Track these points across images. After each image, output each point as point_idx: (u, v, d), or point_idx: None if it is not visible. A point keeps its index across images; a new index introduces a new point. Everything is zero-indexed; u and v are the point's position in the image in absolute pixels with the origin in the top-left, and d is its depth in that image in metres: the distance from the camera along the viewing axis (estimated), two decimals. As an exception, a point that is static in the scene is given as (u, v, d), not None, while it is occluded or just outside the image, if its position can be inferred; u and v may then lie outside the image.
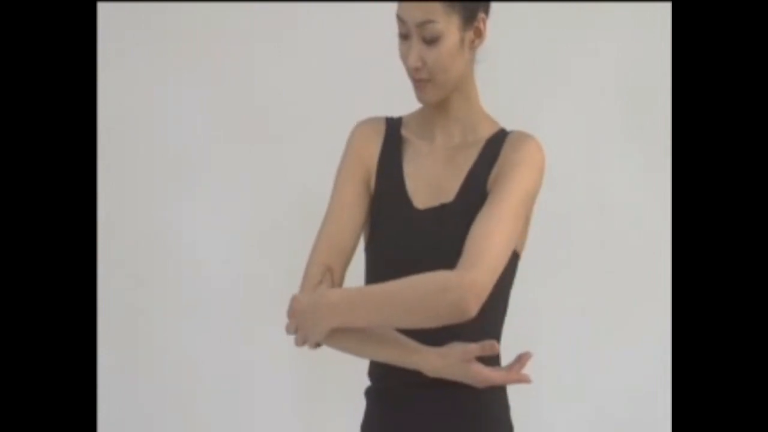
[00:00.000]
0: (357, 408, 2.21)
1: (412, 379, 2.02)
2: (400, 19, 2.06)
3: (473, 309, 1.94)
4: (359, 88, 3.27)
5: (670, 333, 2.93)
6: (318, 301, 2.01)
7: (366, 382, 2.15)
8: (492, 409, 2.09)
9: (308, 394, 3.35)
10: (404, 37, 2.07)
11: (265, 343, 3.25)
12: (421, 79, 2.07)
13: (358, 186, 2.13)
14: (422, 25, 2.03)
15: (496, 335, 2.10)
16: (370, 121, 2.18)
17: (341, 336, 2.02)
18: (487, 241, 1.97)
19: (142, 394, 3.32)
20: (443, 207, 2.07)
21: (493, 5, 2.11)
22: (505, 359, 2.09)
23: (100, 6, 2.94)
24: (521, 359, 2.02)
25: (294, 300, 2.04)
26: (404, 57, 2.07)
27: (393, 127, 2.16)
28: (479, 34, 2.08)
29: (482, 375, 1.99)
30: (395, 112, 2.21)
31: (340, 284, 2.10)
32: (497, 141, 2.10)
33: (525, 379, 2.01)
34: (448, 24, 2.03)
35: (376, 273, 2.10)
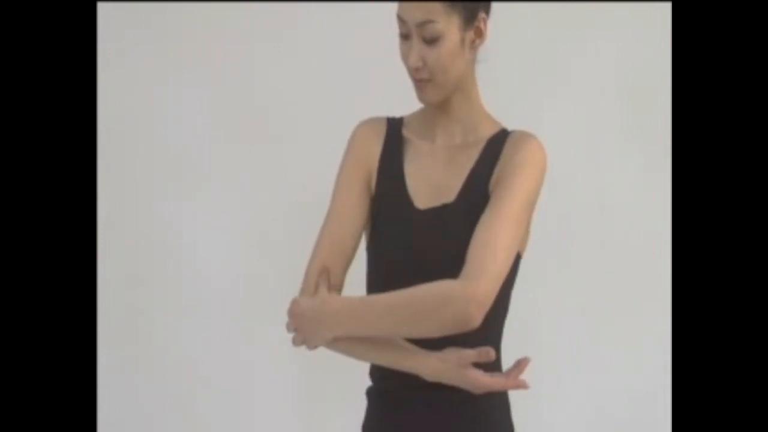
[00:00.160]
0: (357, 408, 2.21)
1: (413, 380, 2.02)
2: (401, 19, 2.05)
3: (477, 320, 1.94)
4: (359, 88, 3.27)
5: (670, 333, 2.94)
6: (320, 309, 2.01)
7: (366, 382, 2.15)
8: (493, 410, 2.09)
9: (308, 394, 3.35)
10: (405, 37, 2.07)
11: (265, 343, 3.24)
12: (421, 79, 2.07)
13: (359, 186, 2.13)
14: (422, 25, 2.03)
15: (497, 336, 2.10)
16: (371, 122, 2.18)
17: (340, 340, 2.02)
18: (491, 249, 1.97)
19: (142, 394, 3.32)
20: (444, 207, 2.07)
21: (493, 5, 2.11)
22: (506, 359, 2.09)
23: (100, 6, 2.95)
24: (520, 365, 2.02)
25: (294, 303, 2.04)
26: (405, 57, 2.07)
27: (394, 128, 2.16)
28: (480, 34, 2.08)
29: (479, 381, 1.98)
30: (395, 113, 2.21)
31: (341, 285, 2.10)
32: (499, 141, 2.10)
33: (522, 385, 2.00)
34: (448, 24, 2.03)
35: (377, 273, 2.10)
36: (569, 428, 3.38)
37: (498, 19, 2.14)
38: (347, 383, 2.60)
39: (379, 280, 2.09)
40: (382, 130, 2.16)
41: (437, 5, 2.01)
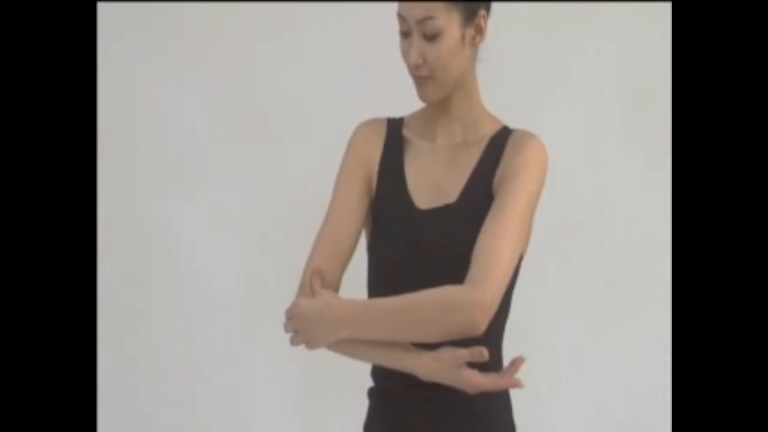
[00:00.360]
0: (357, 408, 2.21)
1: (415, 380, 2.01)
2: (401, 17, 2.06)
3: (483, 326, 1.94)
4: (359, 88, 3.27)
5: (670, 333, 2.93)
6: (323, 312, 2.01)
7: (366, 382, 2.15)
8: (495, 410, 2.09)
9: (308, 394, 3.35)
10: (405, 35, 2.07)
11: (265, 343, 3.24)
12: (422, 77, 2.07)
13: (359, 187, 2.13)
14: (422, 21, 2.03)
15: (499, 337, 2.09)
16: (371, 122, 2.18)
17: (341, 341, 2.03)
18: (495, 255, 1.97)
19: (142, 394, 3.32)
20: (446, 207, 2.07)
21: (493, 5, 2.11)
22: (506, 359, 2.08)
23: (100, 6, 2.94)
24: (514, 364, 2.00)
25: (295, 305, 2.04)
26: (405, 55, 2.07)
27: (394, 128, 2.16)
28: (480, 31, 2.08)
29: (472, 380, 1.97)
30: (395, 113, 2.21)
31: (338, 285, 2.09)
32: (500, 140, 2.10)
33: (517, 384, 1.99)
34: (448, 20, 2.03)
35: (378, 274, 2.10)
36: (569, 428, 3.38)
37: (498, 19, 2.14)
38: (347, 383, 2.60)
39: (380, 281, 2.08)
40: (383, 130, 2.16)
41: (437, 2, 2.02)
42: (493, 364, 2.03)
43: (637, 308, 3.38)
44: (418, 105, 2.16)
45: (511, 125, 2.15)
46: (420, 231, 2.06)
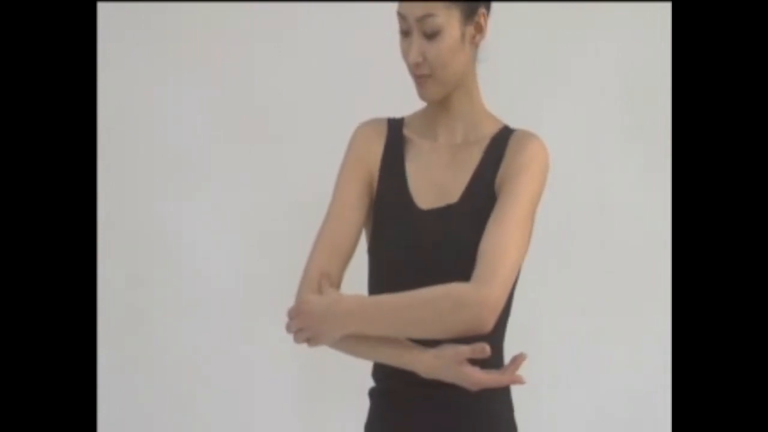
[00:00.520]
0: (357, 408, 2.21)
1: (416, 379, 2.02)
2: (401, 16, 2.06)
3: (490, 325, 1.94)
4: (359, 88, 3.27)
5: (670, 333, 2.93)
6: (331, 308, 2.01)
7: (366, 382, 2.15)
8: (496, 409, 2.09)
9: (308, 394, 3.35)
10: (405, 34, 2.07)
11: (266, 343, 3.24)
12: (422, 75, 2.07)
13: (360, 187, 2.13)
14: (422, 19, 2.03)
15: (501, 336, 2.09)
16: (372, 123, 2.18)
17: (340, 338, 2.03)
18: (501, 253, 1.97)
19: (142, 394, 3.32)
20: (448, 208, 2.07)
21: (493, 5, 2.11)
22: (506, 359, 2.08)
23: (100, 6, 2.94)
24: (515, 361, 2.01)
25: (302, 302, 2.03)
26: (405, 53, 2.07)
27: (395, 128, 2.16)
28: (480, 30, 2.08)
29: (474, 377, 1.97)
30: (395, 113, 2.21)
31: (338, 285, 2.09)
32: (501, 139, 2.10)
33: (519, 380, 2.00)
34: (448, 18, 2.03)
35: (379, 274, 2.10)
36: (569, 428, 3.38)
37: (498, 19, 2.14)
38: (347, 383, 2.60)
39: (380, 282, 2.08)
40: (383, 130, 2.16)
41: (437, 0, 2.02)
42: (495, 363, 2.03)
43: (637, 308, 3.38)
44: (418, 105, 2.16)
45: (511, 125, 2.15)
46: (421, 231, 2.06)
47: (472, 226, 2.02)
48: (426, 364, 1.99)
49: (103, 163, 3.17)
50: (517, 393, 2.12)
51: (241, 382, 3.33)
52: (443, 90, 2.08)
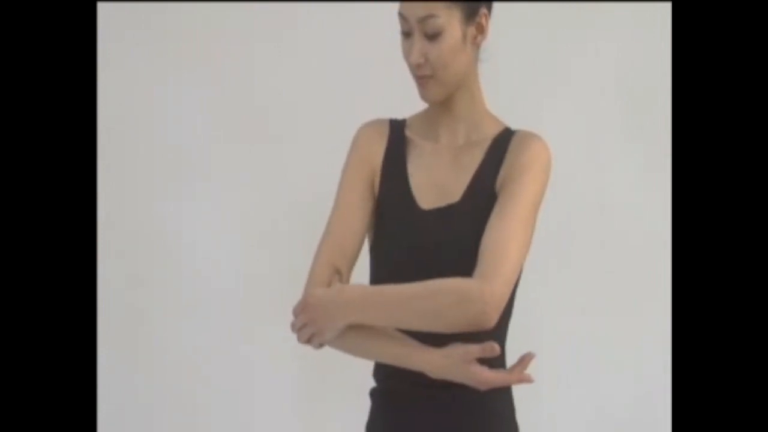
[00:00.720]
0: (357, 408, 2.21)
1: (418, 379, 2.02)
2: (402, 16, 2.06)
3: (493, 320, 1.94)
4: (359, 88, 3.27)
5: (670, 333, 2.94)
6: (335, 298, 2.01)
7: (367, 382, 2.15)
8: (497, 410, 2.09)
9: (308, 394, 3.35)
10: (406, 34, 2.07)
11: (266, 343, 3.25)
12: (423, 76, 2.07)
13: (363, 188, 2.13)
14: (424, 20, 2.03)
15: (503, 336, 2.09)
16: (374, 123, 2.18)
17: (344, 337, 2.02)
18: (504, 250, 1.97)
19: (142, 394, 3.32)
20: (450, 207, 2.07)
21: (494, 5, 2.11)
22: (507, 359, 2.08)
23: (100, 6, 2.94)
24: (523, 360, 2.01)
25: (309, 295, 2.03)
26: (406, 54, 2.07)
27: (397, 129, 2.16)
28: (481, 30, 2.08)
29: (482, 376, 1.97)
30: (396, 113, 2.21)
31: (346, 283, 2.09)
32: (503, 140, 2.10)
33: (527, 379, 2.00)
34: (449, 18, 2.03)
35: (381, 274, 2.10)
36: (569, 428, 3.38)
37: (498, 19, 2.14)
38: (347, 383, 2.61)
39: (382, 281, 2.08)
40: (385, 131, 2.16)
41: (438, 1, 2.02)
42: (498, 363, 2.04)
43: (637, 308, 3.39)
44: (418, 105, 2.16)
45: (511, 125, 2.15)
46: (423, 231, 2.06)
47: (474, 225, 2.03)
48: (434, 364, 1.99)
49: (103, 163, 3.17)
50: (517, 393, 2.12)
51: (241, 382, 3.34)
52: (445, 91, 2.08)
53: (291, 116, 3.34)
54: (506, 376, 2.00)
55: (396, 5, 2.07)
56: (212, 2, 3.33)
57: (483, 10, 2.07)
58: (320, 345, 2.05)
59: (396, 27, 2.08)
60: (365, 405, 2.16)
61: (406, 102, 2.20)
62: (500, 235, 1.98)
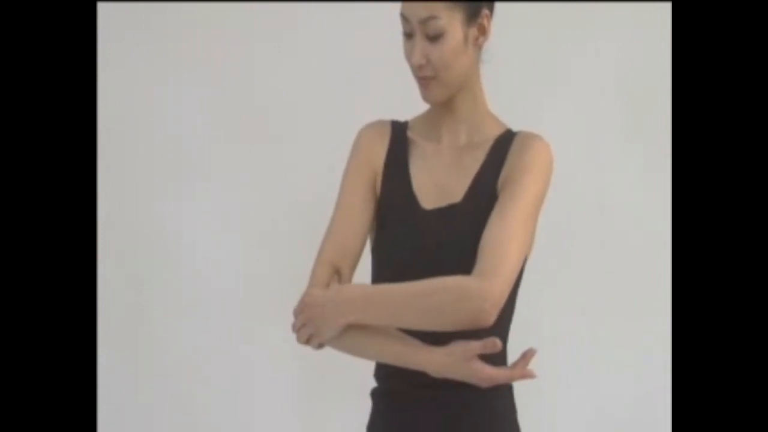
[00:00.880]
0: (357, 408, 2.21)
1: (418, 379, 2.01)
2: (404, 18, 2.06)
3: (492, 318, 1.94)
4: (359, 88, 3.27)
5: (670, 333, 2.94)
6: (335, 297, 2.01)
7: (367, 382, 2.15)
8: (499, 410, 2.08)
9: (308, 394, 3.35)
10: (408, 36, 2.07)
11: (266, 343, 3.25)
12: (425, 77, 2.07)
13: (365, 188, 2.13)
14: (425, 21, 2.03)
15: (504, 336, 2.09)
16: (376, 124, 2.18)
17: (344, 336, 2.02)
18: (504, 249, 1.97)
19: (142, 394, 3.32)
20: (451, 207, 2.07)
21: (494, 5, 2.11)
22: (508, 358, 2.09)
23: (100, 6, 2.94)
24: (525, 356, 2.01)
25: (307, 294, 2.03)
26: (408, 55, 2.07)
27: (398, 130, 2.16)
28: (483, 32, 2.08)
29: (484, 373, 1.97)
30: (396, 113, 2.21)
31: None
32: (505, 141, 2.10)
33: (530, 375, 2.00)
34: (451, 20, 2.03)
35: (382, 274, 2.10)
36: (569, 428, 3.38)
37: (498, 19, 2.14)
38: (347, 383, 2.61)
39: (384, 281, 2.08)
40: (387, 132, 2.16)
41: (440, 2, 2.02)
42: (500, 362, 2.03)
43: (637, 308, 3.39)
44: (418, 105, 2.15)
45: (512, 125, 2.15)
46: (425, 231, 2.06)
47: (475, 225, 2.02)
48: (436, 362, 1.99)
49: (103, 163, 3.17)
50: (517, 393, 2.12)
51: (241, 382, 3.34)
52: (447, 92, 2.08)
53: (291, 116, 3.34)
54: (509, 373, 2.00)
55: (397, 5, 2.07)
56: (212, 2, 3.33)
57: (485, 11, 2.07)
58: (320, 345, 2.05)
59: (397, 27, 2.08)
60: (366, 405, 2.16)
61: (407, 102, 2.20)
62: (500, 233, 1.98)
